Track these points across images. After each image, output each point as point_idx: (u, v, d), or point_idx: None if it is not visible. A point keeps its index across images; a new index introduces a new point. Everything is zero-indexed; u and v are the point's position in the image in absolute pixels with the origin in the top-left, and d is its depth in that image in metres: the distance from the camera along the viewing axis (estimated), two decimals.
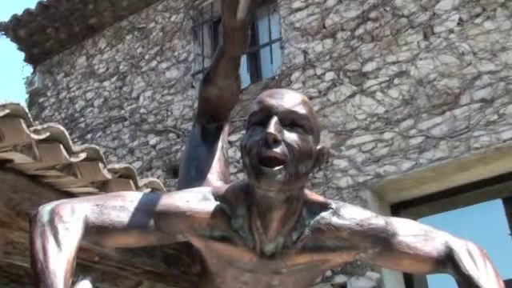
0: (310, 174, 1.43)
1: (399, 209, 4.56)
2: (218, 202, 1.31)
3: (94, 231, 1.22)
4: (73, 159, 2.58)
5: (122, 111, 5.87)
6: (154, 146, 5.53)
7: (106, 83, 6.13)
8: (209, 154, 1.78)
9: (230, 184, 1.37)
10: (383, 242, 1.34)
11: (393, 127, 4.36)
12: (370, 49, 4.66)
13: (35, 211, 1.22)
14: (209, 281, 1.42)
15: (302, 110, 1.26)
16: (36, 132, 2.43)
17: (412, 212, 4.60)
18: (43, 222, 1.17)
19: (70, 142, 2.59)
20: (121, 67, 6.10)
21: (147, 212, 1.27)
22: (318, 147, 1.30)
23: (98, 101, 6.11)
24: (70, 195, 2.88)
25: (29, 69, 6.84)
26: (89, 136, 6.00)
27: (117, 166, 2.85)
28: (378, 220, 1.36)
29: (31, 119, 2.43)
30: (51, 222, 1.17)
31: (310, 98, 4.78)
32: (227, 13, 1.56)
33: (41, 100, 6.61)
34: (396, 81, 4.46)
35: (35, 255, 1.12)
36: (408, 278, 4.33)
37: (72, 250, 1.14)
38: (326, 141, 4.59)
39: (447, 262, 1.31)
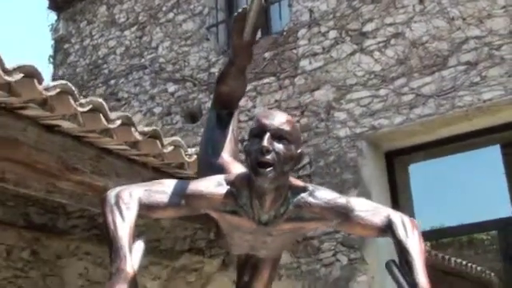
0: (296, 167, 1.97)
1: (392, 156, 5.12)
2: (229, 187, 1.88)
3: (145, 208, 1.80)
4: (110, 125, 3.14)
5: (143, 60, 6.37)
6: (172, 94, 6.06)
7: (126, 32, 6.60)
8: (222, 136, 2.32)
9: (237, 173, 1.92)
10: (344, 215, 1.90)
11: (387, 84, 4.84)
12: (370, 10, 5.06)
13: (105, 195, 1.79)
14: (223, 238, 2.03)
15: (286, 128, 1.81)
16: (81, 105, 2.98)
17: (403, 160, 5.17)
18: (111, 203, 1.75)
19: (108, 112, 3.14)
20: (140, 17, 6.54)
21: (179, 195, 1.84)
22: (298, 151, 1.85)
23: (120, 49, 6.60)
24: (107, 151, 3.48)
25: (53, 16, 7.30)
26: (112, 82, 6.53)
27: (145, 128, 3.40)
28: (341, 199, 1.92)
29: (77, 95, 2.97)
30: (117, 203, 1.74)
31: (315, 54, 5.26)
32: (235, 34, 2.10)
33: (66, 46, 7.10)
34: (392, 41, 4.90)
35: (108, 226, 1.70)
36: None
37: (131, 221, 1.72)
38: (328, 95, 5.10)
39: (388, 230, 1.88)
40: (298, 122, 5.15)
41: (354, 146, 4.87)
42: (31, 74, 2.71)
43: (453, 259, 8.29)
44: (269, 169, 1.75)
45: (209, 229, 4.85)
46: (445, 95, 4.58)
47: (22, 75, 2.66)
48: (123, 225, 1.69)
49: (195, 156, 3.69)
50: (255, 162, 1.77)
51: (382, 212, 1.93)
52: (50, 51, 7.24)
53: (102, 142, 3.34)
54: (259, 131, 1.81)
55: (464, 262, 8.44)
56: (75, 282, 6.11)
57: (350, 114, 4.95)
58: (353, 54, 5.06)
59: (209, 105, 5.72)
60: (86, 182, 3.39)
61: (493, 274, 9.57)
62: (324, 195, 1.91)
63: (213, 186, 1.88)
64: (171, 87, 6.08)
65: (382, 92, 4.85)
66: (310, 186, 1.92)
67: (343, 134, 4.93)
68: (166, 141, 3.53)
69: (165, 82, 6.14)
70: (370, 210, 1.93)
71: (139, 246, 1.73)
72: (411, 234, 1.83)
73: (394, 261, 1.88)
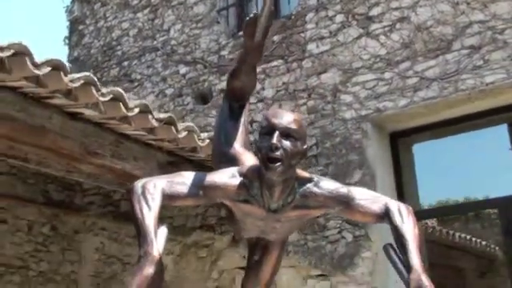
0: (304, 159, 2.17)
1: (396, 137, 5.30)
2: (241, 178, 2.09)
3: (167, 198, 2.01)
4: (129, 113, 3.35)
5: (155, 42, 6.54)
6: (183, 75, 6.25)
7: (139, 15, 6.76)
8: (234, 127, 2.53)
9: (249, 166, 2.13)
10: (345, 203, 2.11)
11: (392, 68, 5.00)
12: None
13: (132, 186, 2.00)
14: (236, 224, 2.25)
15: (293, 127, 2.02)
16: (102, 95, 3.19)
17: (407, 140, 5.36)
18: (138, 193, 1.96)
19: (127, 101, 3.34)
20: (152, 0, 6.69)
21: (198, 186, 2.06)
22: (304, 147, 2.06)
23: (133, 31, 6.77)
24: (126, 137, 3.69)
25: None
26: (125, 63, 6.72)
27: (161, 115, 3.60)
28: (343, 189, 2.13)
29: (99, 86, 3.17)
30: (143, 193, 1.96)
31: (322, 38, 5.42)
32: (247, 37, 2.30)
33: (80, 28, 7.28)
34: (398, 25, 5.05)
35: (136, 214, 1.92)
36: (400, 196, 5.14)
37: (156, 210, 1.93)
38: (335, 78, 5.27)
39: (385, 216, 2.09)
40: (305, 104, 5.35)
41: (359, 128, 5.05)
42: (58, 67, 2.92)
43: (457, 234, 8.51)
44: (277, 164, 1.96)
45: (219, 207, 5.09)
46: (448, 78, 4.74)
47: (49, 68, 2.87)
48: (149, 213, 1.91)
49: (207, 140, 3.90)
50: (265, 157, 1.98)
51: (380, 200, 2.13)
52: (66, 32, 7.42)
53: (121, 128, 3.55)
54: (269, 130, 2.02)
55: (468, 237, 8.66)
56: (92, 256, 6.41)
57: (355, 97, 5.12)
58: (359, 37, 5.21)
59: (218, 86, 5.94)
60: (106, 166, 3.61)
61: (497, 248, 9.80)
62: (327, 185, 2.12)
63: (227, 177, 2.09)
64: (182, 69, 6.26)
65: (387, 75, 5.01)
66: (315, 177, 2.13)
67: (349, 116, 5.11)
68: (181, 126, 3.74)
69: (176, 64, 6.32)
70: (369, 198, 2.14)
71: (163, 231, 1.95)
72: (406, 220, 2.04)
73: (391, 244, 2.09)
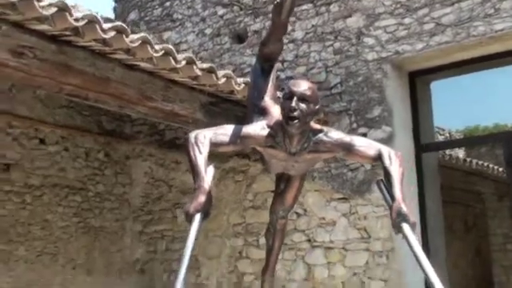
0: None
1: (414, 76, 5.84)
2: (269, 130, 2.75)
3: (213, 145, 2.69)
4: (177, 65, 4.00)
5: None
6: (221, 16, 6.80)
7: None
8: (265, 83, 3.17)
9: (275, 120, 2.78)
10: (348, 149, 2.77)
11: (411, 14, 5.47)
12: None
13: (187, 136, 2.69)
14: (265, 163, 2.96)
15: (308, 93, 2.66)
16: (156, 51, 3.84)
17: (423, 79, 5.90)
18: (192, 142, 2.64)
19: (176, 54, 3.98)
20: None
21: (236, 136, 2.73)
22: (316, 107, 2.70)
23: None
24: (174, 82, 4.35)
25: None
26: (168, 4, 7.28)
27: (204, 65, 4.24)
28: (346, 138, 2.78)
29: (153, 43, 3.81)
30: (196, 142, 2.64)
31: None
32: (275, 15, 2.89)
33: None
34: None
35: (191, 158, 2.60)
36: (415, 129, 5.74)
37: (206, 154, 2.62)
38: (359, 21, 5.77)
39: (378, 159, 2.73)
40: (331, 45, 5.90)
41: (379, 69, 5.60)
42: (121, 30, 3.56)
43: (474, 161, 9.09)
44: (295, 121, 2.63)
45: (253, 150, 5.78)
46: (462, 25, 5.21)
47: (114, 32, 3.52)
48: (200, 157, 2.60)
49: (243, 85, 4.54)
50: (287, 116, 2.64)
51: (375, 146, 2.78)
52: None
53: (170, 76, 4.21)
54: (289, 95, 2.67)
55: (486, 164, 9.22)
56: (141, 179, 7.26)
57: (377, 40, 5.64)
58: None
59: (253, 27, 6.51)
60: (158, 107, 4.30)
61: None
62: (334, 135, 2.78)
63: (258, 129, 2.76)
64: (220, 10, 6.81)
65: (407, 21, 5.49)
66: (325, 129, 2.79)
67: (371, 57, 5.65)
68: (220, 74, 4.38)
69: (214, 6, 6.86)
70: (367, 145, 2.79)
71: (210, 169, 2.65)
72: (394, 162, 2.69)
73: (382, 179, 2.75)
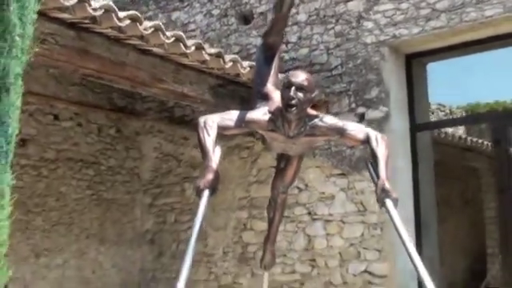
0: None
1: (410, 58, 6.14)
2: (270, 115, 3.09)
3: (221, 128, 3.03)
4: (187, 51, 4.32)
5: None
6: None
7: None
8: (267, 70, 3.49)
9: (275, 107, 3.11)
10: (340, 133, 3.11)
11: None
12: None
13: (197, 121, 3.02)
14: (267, 145, 3.30)
15: (305, 83, 2.98)
16: (167, 38, 4.15)
17: (419, 61, 6.20)
18: (202, 126, 2.98)
19: (186, 41, 4.30)
20: None
21: (241, 120, 3.06)
22: (313, 95, 3.03)
23: None
24: (184, 66, 4.67)
25: None
26: None
27: (212, 50, 4.56)
28: (339, 123, 3.11)
29: (164, 30, 4.13)
30: (205, 125, 2.98)
31: None
32: (276, 9, 3.21)
33: None
34: None
35: (200, 140, 2.94)
36: (411, 109, 6.06)
37: (214, 137, 2.95)
38: (359, 6, 6.05)
39: (366, 142, 3.07)
40: (332, 28, 6.18)
41: (377, 51, 5.89)
42: (135, 19, 3.88)
43: (469, 138, 9.41)
44: (293, 108, 2.97)
45: (256, 133, 6.11)
46: (455, 11, 5.48)
47: (129, 20, 3.83)
48: (209, 139, 2.94)
49: (248, 68, 4.86)
50: (286, 103, 2.97)
51: (364, 130, 3.12)
52: None
53: (180, 60, 4.53)
54: (289, 85, 3.00)
55: (480, 141, 9.53)
56: (151, 154, 7.61)
57: (376, 24, 5.92)
58: None
59: (259, 10, 6.78)
60: (169, 89, 4.63)
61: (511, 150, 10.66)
62: (329, 120, 3.11)
63: (261, 115, 3.10)
64: None
65: (404, 6, 5.76)
66: (320, 115, 3.12)
67: (370, 40, 5.94)
68: (227, 58, 4.70)
69: None
70: (357, 129, 3.12)
71: (218, 150, 2.99)
72: (380, 144, 3.02)
73: (370, 161, 3.09)
